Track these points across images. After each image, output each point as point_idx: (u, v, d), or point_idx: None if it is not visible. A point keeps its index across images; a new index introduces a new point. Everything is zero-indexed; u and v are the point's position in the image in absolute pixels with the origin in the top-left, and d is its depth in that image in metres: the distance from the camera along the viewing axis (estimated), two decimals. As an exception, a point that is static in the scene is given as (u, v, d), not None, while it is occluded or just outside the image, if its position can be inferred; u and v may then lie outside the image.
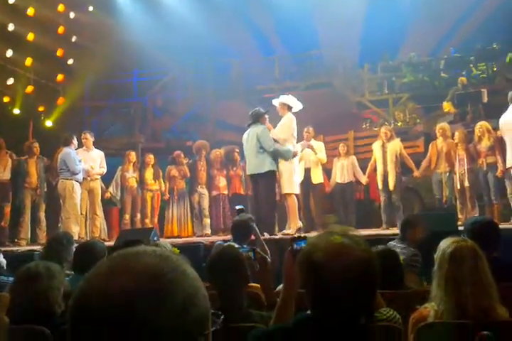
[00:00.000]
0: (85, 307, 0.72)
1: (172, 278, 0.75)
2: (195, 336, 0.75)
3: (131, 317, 0.70)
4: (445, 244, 2.31)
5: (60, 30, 10.54)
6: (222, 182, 8.53)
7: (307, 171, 7.78)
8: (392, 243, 4.23)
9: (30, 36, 9.78)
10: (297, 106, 6.87)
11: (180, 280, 0.75)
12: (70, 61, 10.81)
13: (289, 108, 6.81)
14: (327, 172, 8.33)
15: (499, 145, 7.09)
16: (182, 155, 8.72)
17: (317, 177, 7.85)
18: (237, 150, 8.16)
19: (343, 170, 8.23)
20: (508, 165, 6.60)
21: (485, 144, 7.20)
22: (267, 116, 6.78)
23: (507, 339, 2.08)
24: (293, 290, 1.79)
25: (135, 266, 0.75)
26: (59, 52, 10.54)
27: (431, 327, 2.14)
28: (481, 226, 3.34)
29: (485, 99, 9.14)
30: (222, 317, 2.27)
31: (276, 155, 6.58)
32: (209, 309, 0.79)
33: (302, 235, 1.91)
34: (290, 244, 1.81)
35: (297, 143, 7.63)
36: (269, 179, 6.55)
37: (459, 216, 6.96)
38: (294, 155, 6.68)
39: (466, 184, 7.23)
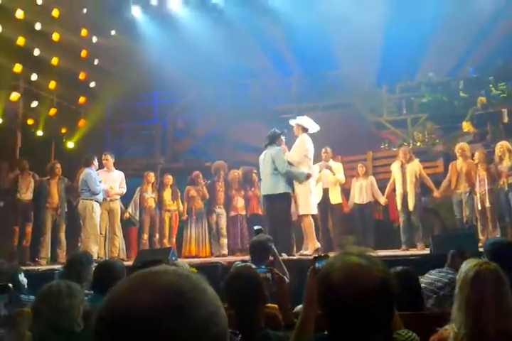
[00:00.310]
0: (110, 322, 0.74)
1: (193, 297, 0.76)
2: None
3: (156, 332, 0.71)
4: (467, 267, 2.28)
5: (83, 54, 10.85)
6: (240, 202, 8.56)
7: (325, 192, 7.75)
8: (442, 269, 4.04)
9: (55, 60, 10.08)
10: (313, 127, 6.85)
11: (200, 298, 0.76)
12: (92, 84, 11.07)
13: (304, 129, 6.81)
14: (345, 192, 8.30)
15: (521, 165, 7.01)
16: (201, 176, 8.80)
17: (335, 197, 7.82)
18: (255, 171, 8.19)
19: (362, 191, 8.19)
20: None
21: (506, 164, 7.12)
22: (283, 138, 6.79)
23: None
24: (313, 309, 1.78)
25: (158, 283, 0.76)
26: (81, 76, 10.82)
27: (451, 349, 2.10)
28: (501, 247, 3.29)
29: (505, 119, 9.10)
30: (239, 336, 2.27)
31: (290, 177, 6.58)
32: (227, 327, 0.80)
33: (324, 254, 1.91)
34: (312, 263, 1.82)
35: (315, 163, 7.64)
36: (284, 200, 6.53)
37: (480, 237, 6.85)
38: (308, 177, 6.60)
39: (487, 204, 7.13)
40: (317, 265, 1.77)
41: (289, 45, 12.58)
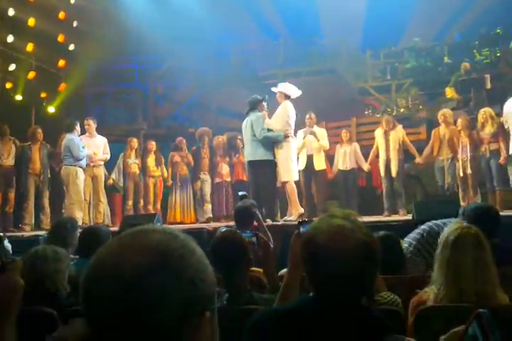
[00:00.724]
0: (98, 282, 0.75)
1: (181, 254, 0.77)
2: (203, 311, 0.78)
3: (142, 291, 0.73)
4: (449, 230, 2.33)
5: (61, 15, 10.44)
6: (225, 169, 8.57)
7: (309, 158, 7.77)
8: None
9: (31, 21, 9.70)
10: (294, 93, 6.79)
11: (189, 256, 0.78)
12: (72, 47, 10.74)
13: (287, 96, 6.76)
14: (329, 158, 8.33)
15: (502, 131, 7.05)
16: (184, 142, 8.76)
17: (319, 163, 7.85)
18: (240, 137, 8.15)
19: (346, 157, 8.23)
20: (511, 152, 6.60)
21: (488, 131, 7.16)
22: (264, 103, 6.75)
23: (507, 324, 2.10)
24: (298, 272, 1.82)
25: (145, 242, 0.77)
26: (60, 38, 10.46)
27: (430, 310, 2.17)
28: (482, 212, 3.35)
29: (488, 85, 9.11)
30: (226, 295, 2.31)
31: (269, 142, 6.55)
32: (215, 286, 0.82)
33: (308, 219, 1.94)
34: (297, 227, 1.85)
35: (299, 129, 7.63)
36: (267, 167, 6.54)
37: (462, 203, 6.94)
38: (286, 136, 6.56)
39: (469, 171, 7.21)
40: (301, 229, 1.80)
41: (275, 9, 12.32)
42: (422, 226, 3.85)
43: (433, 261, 2.37)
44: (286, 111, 6.65)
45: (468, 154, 7.24)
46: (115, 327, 0.73)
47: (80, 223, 6.32)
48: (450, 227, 2.35)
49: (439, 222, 3.79)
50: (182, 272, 0.76)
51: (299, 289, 1.85)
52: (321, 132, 7.94)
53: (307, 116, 7.90)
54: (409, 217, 6.16)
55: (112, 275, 0.74)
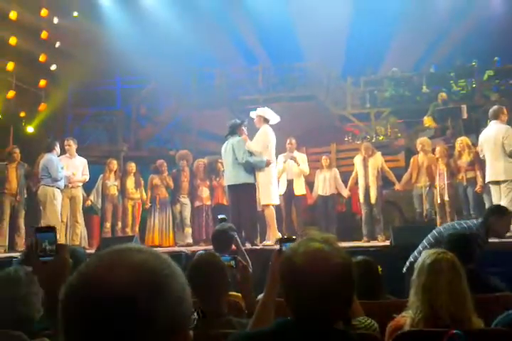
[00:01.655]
0: (85, 298, 0.74)
1: (168, 274, 0.79)
2: (185, 329, 0.79)
3: (133, 308, 0.73)
4: (425, 255, 2.37)
5: (44, 35, 10.46)
6: (205, 192, 8.55)
7: (290, 183, 7.81)
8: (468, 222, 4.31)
9: (13, 40, 9.68)
10: (274, 118, 6.88)
11: (173, 276, 0.80)
12: (53, 67, 10.72)
13: (266, 120, 6.84)
14: (309, 184, 8.38)
15: (478, 160, 7.20)
16: (165, 164, 8.73)
17: (299, 188, 7.89)
18: (220, 160, 8.17)
19: (325, 183, 8.29)
20: (486, 181, 6.73)
21: (465, 159, 7.32)
22: (244, 128, 6.80)
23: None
24: (276, 290, 1.80)
25: (133, 260, 0.78)
26: (42, 58, 10.45)
27: (407, 335, 2.17)
28: (459, 238, 3.41)
29: (464, 115, 9.32)
30: (196, 314, 2.28)
31: (251, 167, 6.59)
32: (192, 306, 0.83)
33: (291, 237, 1.95)
34: (279, 245, 1.85)
35: (280, 154, 7.70)
36: (248, 191, 6.55)
37: (439, 229, 7.04)
38: (268, 164, 6.64)
39: (446, 198, 7.33)
40: (283, 247, 1.81)
41: (256, 34, 12.57)
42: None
43: None
44: (267, 136, 6.72)
45: (446, 181, 7.37)
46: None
47: (55, 245, 6.17)
48: (426, 253, 2.38)
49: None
50: (168, 291, 0.77)
51: (273, 311, 1.83)
52: (302, 157, 8.00)
53: (287, 142, 7.97)
54: (388, 243, 6.20)
55: (99, 291, 0.74)
